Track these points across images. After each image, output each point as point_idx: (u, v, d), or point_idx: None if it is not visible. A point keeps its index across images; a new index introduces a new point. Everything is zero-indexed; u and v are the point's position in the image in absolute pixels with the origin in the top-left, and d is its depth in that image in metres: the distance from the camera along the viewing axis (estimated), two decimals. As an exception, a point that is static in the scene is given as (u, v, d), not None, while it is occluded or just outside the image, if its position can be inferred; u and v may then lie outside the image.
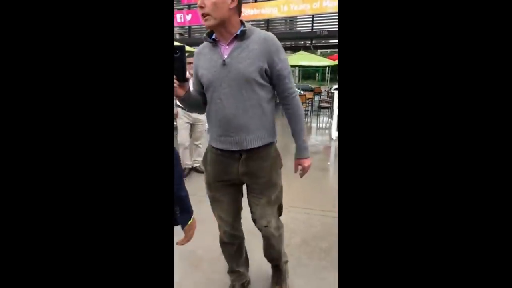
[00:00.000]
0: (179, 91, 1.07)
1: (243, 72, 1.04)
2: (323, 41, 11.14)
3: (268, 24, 10.74)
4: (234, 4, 1.03)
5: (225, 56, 1.07)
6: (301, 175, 1.27)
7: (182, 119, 3.03)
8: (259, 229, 1.28)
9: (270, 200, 1.22)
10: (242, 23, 1.10)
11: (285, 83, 1.11)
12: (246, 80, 1.05)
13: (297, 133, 1.18)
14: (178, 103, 2.93)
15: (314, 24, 10.06)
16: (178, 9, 11.48)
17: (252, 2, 9.96)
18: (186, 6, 11.21)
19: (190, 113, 3.00)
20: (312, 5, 9.25)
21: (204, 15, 1.01)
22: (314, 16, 9.84)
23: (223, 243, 1.36)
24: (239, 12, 1.08)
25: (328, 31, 9.54)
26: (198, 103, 1.20)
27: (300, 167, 1.24)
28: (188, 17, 10.97)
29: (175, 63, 0.99)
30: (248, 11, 10.10)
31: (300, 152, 1.20)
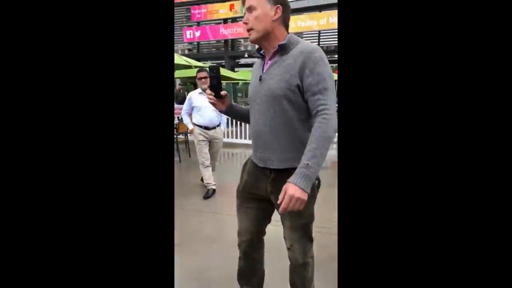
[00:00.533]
0: (218, 105, 1.14)
1: (272, 89, 1.00)
2: (329, 56, 11.27)
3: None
4: (278, 15, 1.00)
5: (263, 72, 1.06)
6: (279, 208, 0.93)
7: (199, 137, 2.88)
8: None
9: (294, 226, 1.12)
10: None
11: (314, 99, 0.95)
12: (274, 97, 1.00)
13: (304, 153, 0.92)
14: (194, 121, 2.89)
15: (320, 39, 10.21)
16: (188, 26, 11.84)
17: (260, 19, 10.14)
18: (196, 23, 11.55)
19: (206, 131, 2.87)
20: (319, 21, 9.44)
21: (248, 30, 1.02)
22: (321, 31, 10.00)
23: (239, 256, 1.32)
24: (285, 25, 1.04)
25: (334, 46, 9.65)
26: (245, 116, 1.21)
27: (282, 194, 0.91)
28: (197, 34, 11.27)
29: (211, 81, 1.11)
30: (256, 28, 10.28)
31: (295, 176, 0.90)
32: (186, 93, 8.33)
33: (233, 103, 1.21)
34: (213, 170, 3.10)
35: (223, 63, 10.95)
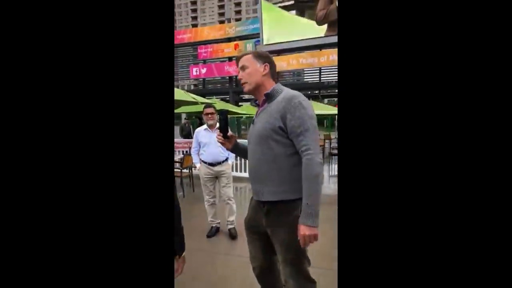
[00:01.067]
0: (226, 144, 1.35)
1: (259, 130, 1.19)
2: (329, 91, 11.58)
3: (277, 76, 11.33)
4: (266, 71, 1.23)
5: (256, 117, 1.26)
6: (301, 244, 1.10)
7: (204, 177, 2.77)
8: None
9: (286, 260, 1.20)
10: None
11: (298, 140, 1.11)
12: (261, 137, 1.17)
13: (303, 194, 1.08)
14: (200, 157, 2.85)
15: (321, 75, 10.59)
16: (195, 63, 12.44)
17: (263, 57, 10.62)
18: (202, 61, 12.15)
19: (212, 166, 2.76)
20: (319, 59, 9.86)
21: (242, 84, 1.25)
22: (322, 68, 10.42)
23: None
24: (273, 77, 1.26)
25: (335, 81, 9.97)
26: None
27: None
28: (203, 71, 11.80)
29: (220, 123, 1.33)
30: (259, 65, 10.75)
31: (301, 217, 1.08)
32: (191, 127, 8.49)
33: (238, 141, 1.37)
34: (231, 213, 2.83)
35: (228, 98, 11.28)
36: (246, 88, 1.24)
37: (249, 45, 11.28)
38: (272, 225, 1.18)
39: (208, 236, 2.77)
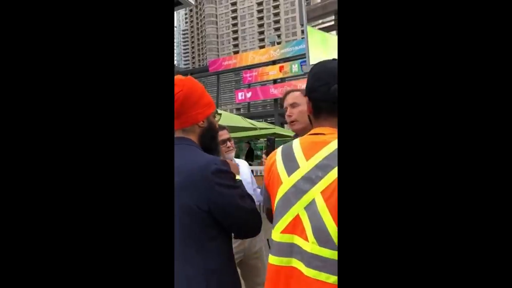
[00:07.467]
0: None
1: None
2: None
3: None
4: None
5: None
6: None
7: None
8: None
9: None
10: None
11: None
12: None
13: None
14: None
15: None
16: (236, 88, 12.64)
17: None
18: (247, 86, 12.28)
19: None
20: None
21: (291, 121, 1.19)
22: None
23: None
24: None
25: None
26: None
27: None
28: (249, 95, 11.89)
29: (269, 150, 1.25)
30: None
31: None
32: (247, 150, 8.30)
33: None
34: None
35: (274, 120, 11.12)
36: (296, 126, 1.19)
37: (295, 66, 11.11)
38: None
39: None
